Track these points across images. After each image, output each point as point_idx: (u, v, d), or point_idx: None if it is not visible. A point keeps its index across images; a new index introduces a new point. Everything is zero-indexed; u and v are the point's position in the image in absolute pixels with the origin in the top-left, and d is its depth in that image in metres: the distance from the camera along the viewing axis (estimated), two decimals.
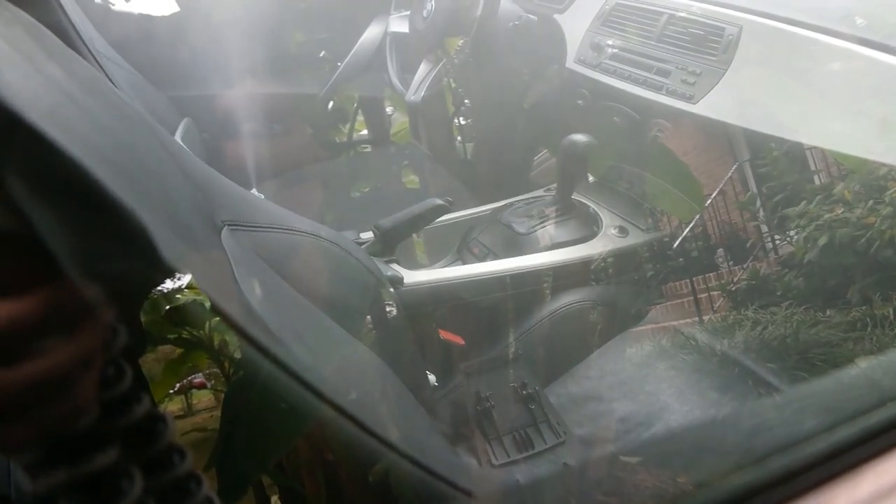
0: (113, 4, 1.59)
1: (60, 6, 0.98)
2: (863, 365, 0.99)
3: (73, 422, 0.29)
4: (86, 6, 1.32)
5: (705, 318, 1.40)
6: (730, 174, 1.84)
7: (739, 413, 0.94)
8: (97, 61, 1.12)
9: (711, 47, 1.16)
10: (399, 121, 2.22)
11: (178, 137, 1.36)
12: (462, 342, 1.20)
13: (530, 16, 1.50)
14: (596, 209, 1.38)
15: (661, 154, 1.43)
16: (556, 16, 1.50)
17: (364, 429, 0.53)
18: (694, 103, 1.15)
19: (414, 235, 1.72)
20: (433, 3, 1.51)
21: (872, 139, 0.99)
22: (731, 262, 1.71)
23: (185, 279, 0.96)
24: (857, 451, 0.38)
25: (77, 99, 0.48)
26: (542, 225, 1.33)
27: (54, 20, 0.98)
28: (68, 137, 0.35)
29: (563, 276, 1.29)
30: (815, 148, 1.51)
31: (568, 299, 1.27)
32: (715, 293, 1.54)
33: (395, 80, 1.65)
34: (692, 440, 0.80)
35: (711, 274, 1.63)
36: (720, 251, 1.77)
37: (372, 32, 1.82)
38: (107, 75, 1.10)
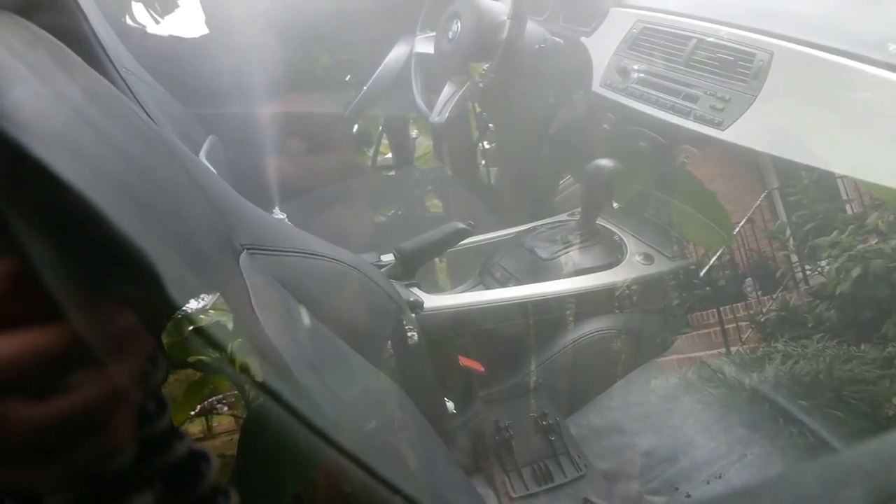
0: (144, 27, 1.61)
1: (88, 24, 0.99)
2: None
3: (108, 461, 0.28)
4: (118, 28, 1.34)
5: (733, 349, 1.37)
6: (758, 202, 1.80)
7: (769, 481, 0.90)
8: (122, 78, 1.13)
9: (741, 73, 1.15)
10: (423, 145, 2.22)
11: (202, 155, 1.37)
12: (482, 369, 1.18)
13: (556, 39, 1.50)
14: (621, 235, 1.36)
15: (687, 181, 1.41)
16: (582, 39, 1.49)
17: (381, 461, 0.52)
18: (723, 130, 1.13)
19: (436, 259, 1.71)
20: (459, 24, 1.51)
21: None
22: (759, 292, 1.67)
23: (210, 299, 0.95)
24: None
25: (95, 122, 0.47)
26: (566, 250, 1.31)
27: (82, 37, 0.99)
28: (79, 166, 0.34)
29: (587, 304, 1.27)
30: (846, 177, 1.48)
31: (591, 327, 1.25)
32: (743, 324, 1.50)
33: (420, 101, 1.65)
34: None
35: (739, 304, 1.60)
36: (748, 280, 1.74)
37: (397, 53, 1.83)
38: (132, 92, 1.11)
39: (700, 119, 1.17)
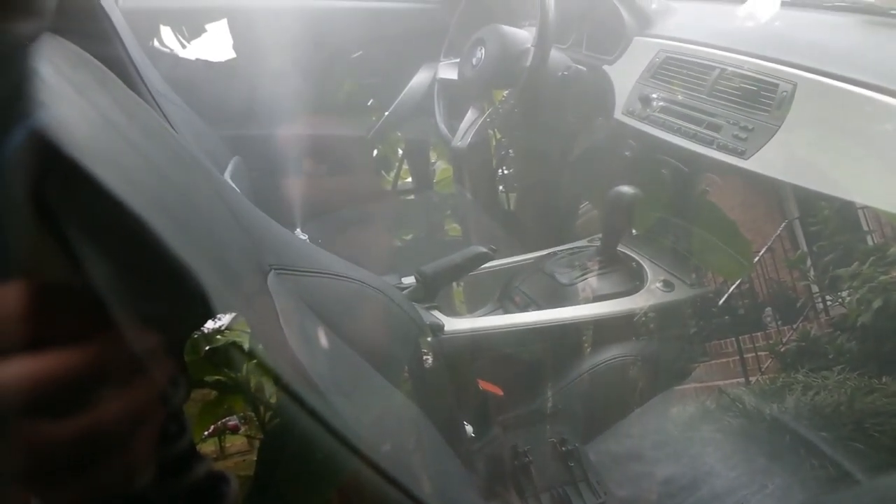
0: (171, 50, 1.64)
1: (123, 46, 1.02)
2: None
3: (129, 481, 0.28)
4: (147, 50, 1.38)
5: (752, 379, 1.36)
6: (779, 231, 1.80)
7: None
8: (154, 99, 1.16)
9: (764, 103, 1.15)
10: (441, 169, 2.24)
11: (227, 175, 1.39)
12: (501, 393, 1.18)
13: (580, 66, 1.51)
14: (640, 262, 1.36)
15: (709, 210, 1.41)
16: (605, 67, 1.50)
17: (398, 484, 0.52)
18: (746, 159, 1.14)
19: (454, 283, 1.72)
20: (483, 51, 1.53)
21: None
22: (779, 322, 1.66)
23: (225, 320, 0.96)
24: None
25: (137, 145, 0.49)
26: (586, 276, 1.31)
27: (116, 58, 1.01)
28: (128, 186, 0.35)
29: (606, 330, 1.27)
30: (867, 208, 1.47)
31: (610, 353, 1.25)
32: (762, 353, 1.49)
33: (442, 126, 1.67)
34: None
35: (758, 333, 1.59)
36: (767, 310, 1.73)
37: (421, 78, 1.85)
38: (163, 113, 1.13)
39: (723, 148, 1.17)
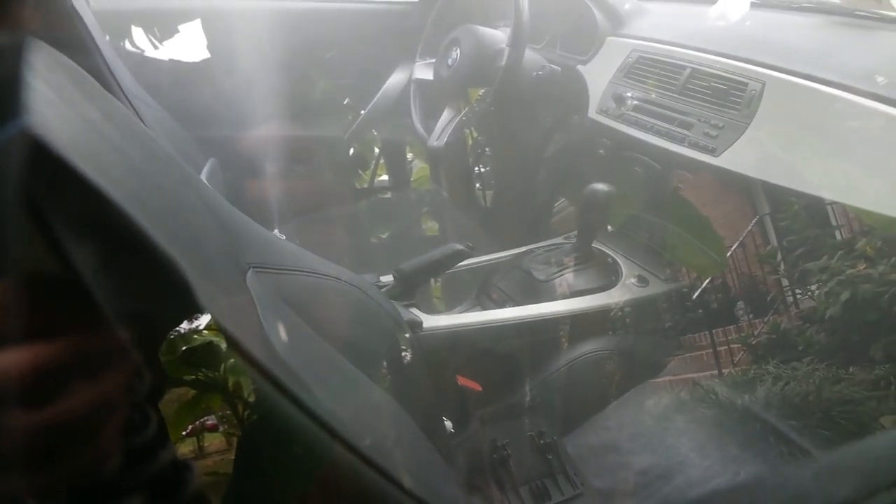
0: (143, 51, 1.63)
1: (97, 48, 1.01)
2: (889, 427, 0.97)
3: (96, 468, 0.29)
4: (119, 51, 1.37)
5: (725, 371, 1.38)
6: (750, 227, 1.83)
7: (767, 477, 0.92)
8: (129, 100, 1.15)
9: (734, 102, 1.18)
10: (418, 168, 2.25)
11: (203, 177, 1.39)
12: (479, 388, 1.19)
13: (554, 66, 1.53)
14: (615, 258, 1.38)
15: (682, 207, 1.43)
16: (579, 67, 1.53)
17: (381, 471, 0.53)
18: (716, 156, 1.16)
19: (432, 280, 1.73)
20: (459, 51, 1.54)
21: (892, 198, 0.99)
22: (751, 315, 1.69)
23: (202, 320, 0.96)
24: None
25: (115, 142, 0.49)
26: (562, 273, 1.33)
27: (90, 60, 1.01)
28: (108, 182, 0.36)
29: (582, 325, 1.28)
30: (835, 203, 1.51)
31: (586, 348, 1.26)
32: (735, 346, 1.52)
33: (419, 126, 1.68)
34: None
35: (731, 326, 1.62)
36: (740, 304, 1.76)
37: (397, 78, 1.86)
38: (137, 114, 1.13)
39: (694, 145, 1.20)
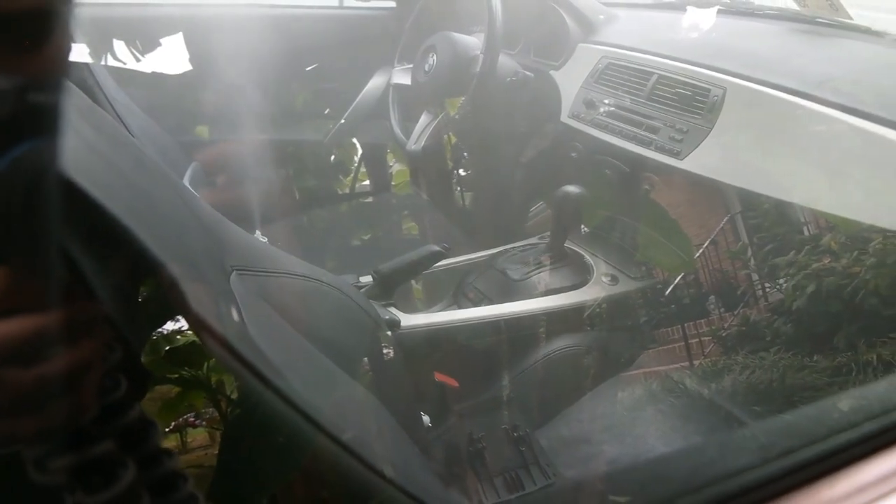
0: (125, 64, 1.64)
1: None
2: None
3: (74, 417, 0.36)
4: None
5: (696, 362, 1.43)
6: (721, 225, 1.88)
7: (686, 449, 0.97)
8: (112, 107, 1.18)
9: (698, 107, 1.22)
10: (399, 172, 2.29)
11: (186, 181, 1.41)
12: (456, 384, 1.23)
13: (527, 73, 1.57)
14: (588, 258, 1.42)
15: (651, 208, 1.48)
16: (552, 72, 1.57)
17: (360, 464, 0.56)
18: (681, 159, 1.21)
19: (413, 281, 1.76)
20: (435, 58, 1.58)
21: (847, 199, 1.05)
22: (722, 309, 1.74)
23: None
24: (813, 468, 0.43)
25: (105, 155, 0.53)
26: (536, 272, 1.38)
27: (76, 69, 1.04)
28: (102, 194, 0.40)
29: (556, 322, 1.33)
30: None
31: (559, 344, 1.30)
32: (706, 338, 1.56)
33: (397, 130, 1.71)
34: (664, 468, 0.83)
35: (703, 320, 1.66)
36: (712, 298, 1.80)
37: (375, 83, 1.90)
38: (122, 121, 1.16)
39: (660, 149, 1.25)
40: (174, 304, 0.43)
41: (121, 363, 0.40)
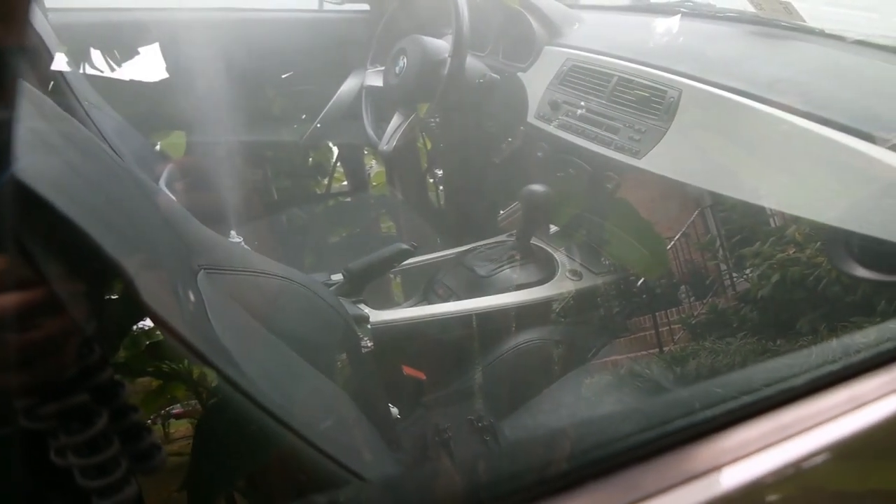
0: (101, 71, 1.66)
1: (53, 59, 1.07)
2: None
3: (57, 373, 0.45)
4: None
5: (666, 349, 1.47)
6: (692, 218, 1.93)
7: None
8: (85, 111, 1.20)
9: (655, 108, 1.27)
10: (376, 172, 2.32)
11: (162, 183, 1.44)
12: (423, 377, 1.27)
13: (494, 75, 1.61)
14: (553, 254, 1.47)
15: (620, 209, 1.53)
16: (519, 74, 1.61)
17: (324, 452, 0.61)
18: (639, 158, 1.26)
19: (392, 277, 1.80)
20: (405, 60, 1.62)
21: (791, 196, 1.10)
22: (692, 298, 1.78)
23: None
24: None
25: (76, 165, 0.57)
26: (502, 268, 1.42)
27: (47, 70, 1.06)
28: (70, 202, 0.44)
29: (521, 316, 1.37)
30: None
31: (524, 338, 1.35)
32: (676, 326, 1.61)
33: (370, 131, 1.75)
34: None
35: (674, 309, 1.71)
36: (682, 288, 1.85)
37: (349, 85, 1.92)
38: (94, 123, 1.18)
39: (620, 149, 1.29)
40: (135, 301, 0.47)
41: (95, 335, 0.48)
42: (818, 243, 1.35)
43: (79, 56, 1.61)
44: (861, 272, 0.95)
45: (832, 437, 0.50)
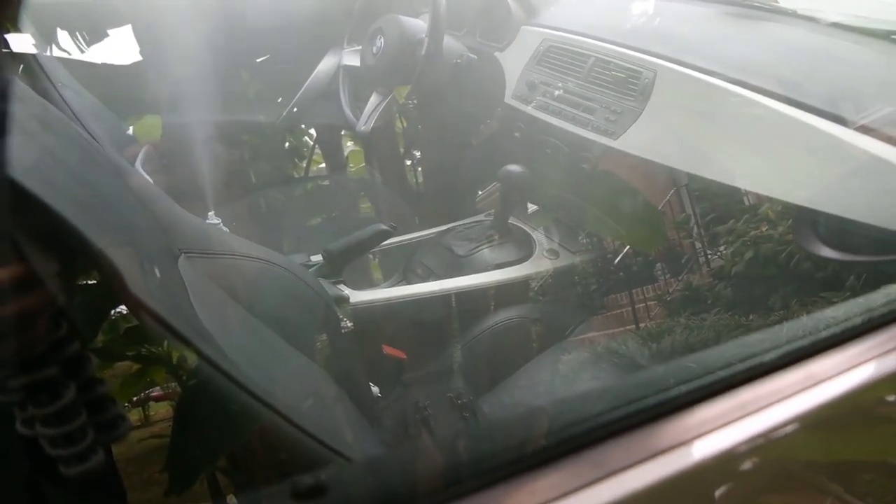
0: (69, 54, 1.63)
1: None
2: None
3: (33, 346, 0.47)
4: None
5: (642, 325, 1.50)
6: (668, 198, 1.96)
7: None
8: (59, 93, 1.19)
9: (630, 89, 1.28)
10: (353, 152, 2.31)
11: (138, 164, 1.43)
12: (404, 356, 1.29)
13: (471, 55, 1.61)
14: (531, 234, 1.49)
15: (609, 182, 1.54)
16: (496, 54, 1.61)
17: (305, 430, 0.62)
18: (615, 139, 1.27)
19: (371, 258, 1.81)
20: (383, 40, 1.61)
21: (764, 177, 1.12)
22: (668, 276, 1.81)
23: None
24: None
25: (54, 152, 0.57)
26: (480, 248, 1.44)
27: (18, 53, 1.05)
28: (49, 190, 0.44)
29: (499, 295, 1.39)
30: None
31: (502, 316, 1.37)
32: (652, 303, 1.64)
33: (348, 111, 1.74)
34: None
35: (650, 286, 1.74)
36: (658, 265, 1.88)
37: (326, 64, 1.91)
38: (68, 105, 1.17)
39: (596, 129, 1.30)
40: (115, 286, 0.48)
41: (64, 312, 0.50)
42: (790, 220, 1.38)
43: (50, 40, 1.58)
44: (826, 252, 0.97)
45: (792, 412, 0.52)
